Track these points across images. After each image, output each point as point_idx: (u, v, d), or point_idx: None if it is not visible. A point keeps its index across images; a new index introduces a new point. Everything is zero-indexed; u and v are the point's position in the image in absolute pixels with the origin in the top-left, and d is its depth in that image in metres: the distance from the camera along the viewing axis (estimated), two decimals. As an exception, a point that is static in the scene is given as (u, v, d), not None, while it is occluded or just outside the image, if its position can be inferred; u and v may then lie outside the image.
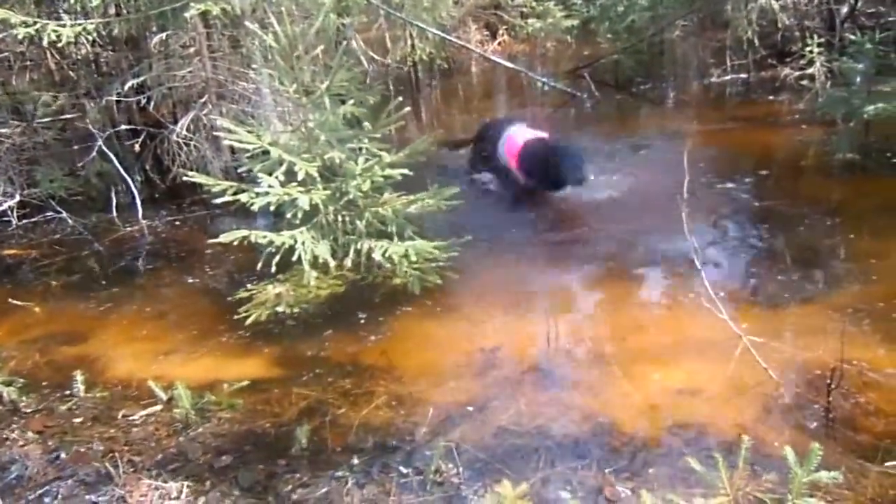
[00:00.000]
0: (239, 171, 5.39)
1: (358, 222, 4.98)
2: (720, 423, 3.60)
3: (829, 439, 3.40)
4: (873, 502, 3.04)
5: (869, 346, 4.02)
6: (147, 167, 7.85)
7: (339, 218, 5.02)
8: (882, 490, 3.09)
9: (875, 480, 3.14)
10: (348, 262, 4.95)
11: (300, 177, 4.72)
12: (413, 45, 11.63)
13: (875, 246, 5.08)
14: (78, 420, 4.12)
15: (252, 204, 4.74)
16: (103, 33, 6.87)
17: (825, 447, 2.96)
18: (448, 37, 10.98)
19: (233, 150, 6.77)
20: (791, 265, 4.95)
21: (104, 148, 7.21)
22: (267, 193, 4.74)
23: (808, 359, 3.97)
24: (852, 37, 7.04)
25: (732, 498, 2.91)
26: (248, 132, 4.88)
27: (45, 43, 6.35)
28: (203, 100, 7.01)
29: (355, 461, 3.57)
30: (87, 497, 3.50)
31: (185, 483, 3.51)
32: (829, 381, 3.61)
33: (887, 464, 3.21)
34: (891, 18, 9.34)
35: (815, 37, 8.68)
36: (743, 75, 9.86)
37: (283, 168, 4.76)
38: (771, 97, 8.95)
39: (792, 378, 3.84)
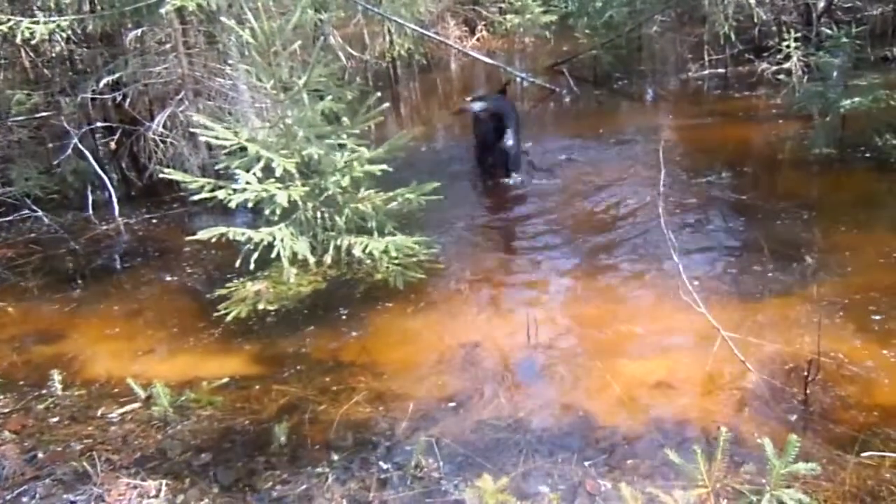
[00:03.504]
0: (216, 167, 5.35)
1: (337, 218, 4.96)
2: (698, 415, 3.63)
3: (808, 431, 3.43)
4: (851, 492, 3.07)
5: (845, 338, 4.06)
6: (123, 165, 7.81)
7: (319, 214, 5.00)
8: (860, 480, 3.12)
9: (853, 471, 3.17)
10: (328, 259, 4.94)
11: (278, 173, 4.70)
12: (392, 41, 11.60)
13: (850, 239, 5.13)
14: (55, 419, 4.08)
15: (230, 201, 4.71)
16: (78, 30, 6.80)
17: (803, 439, 2.99)
18: (426, 32, 10.96)
19: (210, 146, 6.72)
20: (768, 258, 4.97)
21: (80, 146, 7.15)
22: (245, 190, 4.71)
23: (786, 352, 3.99)
24: (829, 31, 7.09)
25: (711, 490, 2.92)
26: (226, 129, 4.85)
27: (18, 40, 6.28)
28: (179, 96, 6.96)
29: (335, 457, 3.56)
30: (65, 496, 3.47)
31: (164, 481, 3.49)
32: (806, 373, 3.64)
33: (864, 454, 3.24)
34: (867, 13, 9.42)
35: (792, 31, 8.76)
36: (720, 70, 9.91)
37: (261, 164, 4.73)
38: (748, 92, 9.01)
39: (770, 371, 3.87)
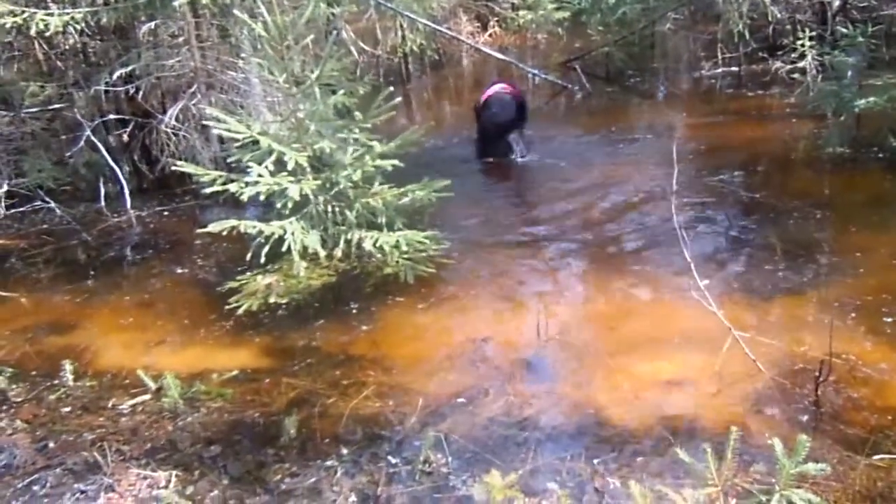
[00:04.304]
0: (228, 161, 5.36)
1: (348, 213, 4.97)
2: (709, 414, 3.61)
3: (818, 432, 3.41)
4: (861, 494, 3.05)
5: (857, 339, 4.04)
6: (135, 157, 7.81)
7: (330, 208, 5.00)
8: (870, 482, 3.10)
9: (863, 472, 3.15)
10: (338, 253, 4.94)
11: (290, 167, 4.70)
12: (404, 36, 11.60)
13: (863, 239, 5.10)
14: (67, 409, 4.10)
15: (241, 194, 4.72)
16: (91, 22, 6.81)
17: (814, 439, 2.97)
18: (439, 28, 10.94)
19: (222, 139, 6.74)
20: (780, 258, 4.96)
21: (92, 138, 7.16)
22: (256, 183, 4.72)
23: (797, 352, 3.98)
24: (844, 30, 7.06)
25: (721, 489, 2.91)
26: (238, 122, 4.86)
27: (32, 32, 6.30)
28: (192, 89, 6.97)
29: (344, 451, 3.56)
30: (76, 486, 3.49)
31: (174, 472, 3.51)
32: (817, 374, 3.62)
33: (875, 456, 3.22)
34: (883, 12, 9.35)
35: (807, 30, 8.71)
36: (734, 68, 9.86)
37: (273, 158, 4.74)
38: (762, 91, 8.96)
39: (780, 371, 3.85)
